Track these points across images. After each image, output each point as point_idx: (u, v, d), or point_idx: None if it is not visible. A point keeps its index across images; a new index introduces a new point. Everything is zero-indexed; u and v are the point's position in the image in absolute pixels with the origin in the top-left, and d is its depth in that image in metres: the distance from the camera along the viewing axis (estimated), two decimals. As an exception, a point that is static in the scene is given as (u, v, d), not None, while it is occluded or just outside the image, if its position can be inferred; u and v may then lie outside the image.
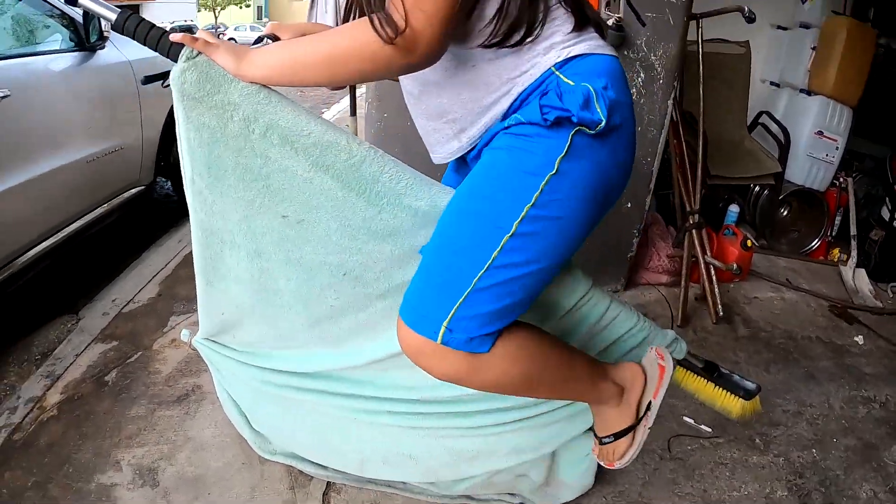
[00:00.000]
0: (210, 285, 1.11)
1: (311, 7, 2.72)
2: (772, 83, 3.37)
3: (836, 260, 3.14)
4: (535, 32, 0.82)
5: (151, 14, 22.61)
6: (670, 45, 1.98)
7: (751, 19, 2.17)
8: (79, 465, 1.48)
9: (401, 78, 0.96)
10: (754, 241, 3.03)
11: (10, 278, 1.98)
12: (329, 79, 0.83)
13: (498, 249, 0.83)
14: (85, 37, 2.40)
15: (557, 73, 0.83)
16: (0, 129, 1.92)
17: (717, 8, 2.31)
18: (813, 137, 3.04)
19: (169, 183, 3.36)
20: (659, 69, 2.00)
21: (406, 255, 0.99)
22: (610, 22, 1.89)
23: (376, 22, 0.74)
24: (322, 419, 1.29)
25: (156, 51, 0.90)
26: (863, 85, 3.03)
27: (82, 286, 2.48)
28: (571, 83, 0.82)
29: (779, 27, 3.34)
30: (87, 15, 2.38)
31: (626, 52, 1.96)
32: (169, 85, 0.89)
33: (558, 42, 0.84)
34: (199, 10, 27.83)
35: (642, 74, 1.99)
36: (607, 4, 1.91)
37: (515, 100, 0.86)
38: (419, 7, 0.73)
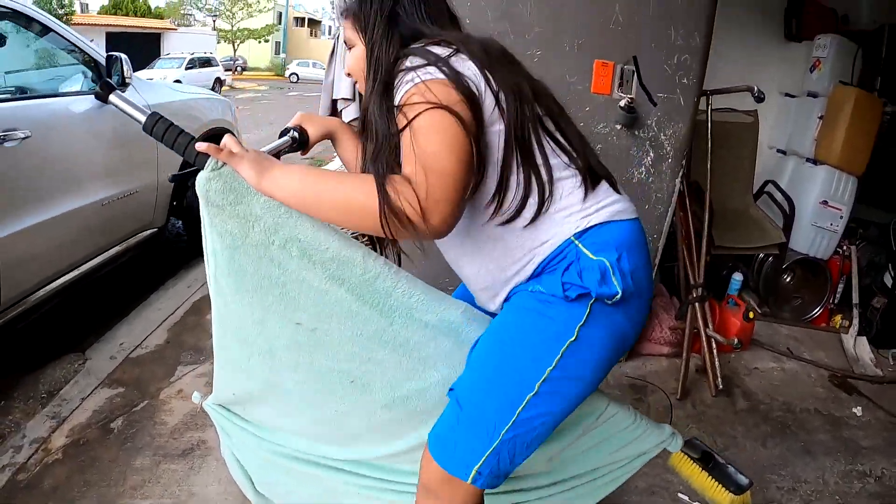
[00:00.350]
0: (223, 369, 1.16)
1: (331, 57, 2.79)
2: (779, 150, 3.41)
3: (838, 327, 3.16)
4: (546, 206, 0.91)
5: (171, 44, 22.97)
6: (680, 124, 2.04)
7: (760, 99, 2.22)
8: None
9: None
10: (757, 309, 3.05)
11: (20, 315, 2.02)
12: (341, 224, 0.90)
13: (522, 406, 0.92)
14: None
15: (577, 242, 0.91)
16: (21, 170, 1.98)
17: (727, 86, 2.37)
18: (818, 207, 3.06)
19: (180, 223, 3.41)
20: (668, 148, 2.05)
21: (414, 367, 1.02)
22: (622, 103, 1.96)
23: (384, 216, 0.81)
24: (328, 490, 1.31)
25: (182, 156, 0.94)
26: (868, 155, 3.05)
27: (90, 324, 2.52)
28: (591, 256, 0.90)
29: (787, 95, 3.39)
30: (110, 59, 2.44)
31: (636, 132, 2.02)
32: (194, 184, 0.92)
33: (577, 210, 0.92)
34: (218, 42, 28.48)
35: (651, 154, 2.05)
36: (620, 85, 1.97)
37: (538, 266, 0.94)
38: (430, 196, 0.80)
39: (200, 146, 0.90)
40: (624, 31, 1.95)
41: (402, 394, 1.05)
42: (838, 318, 3.19)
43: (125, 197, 2.51)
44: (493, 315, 1.04)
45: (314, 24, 42.58)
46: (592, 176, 0.94)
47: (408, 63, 0.87)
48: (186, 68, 16.87)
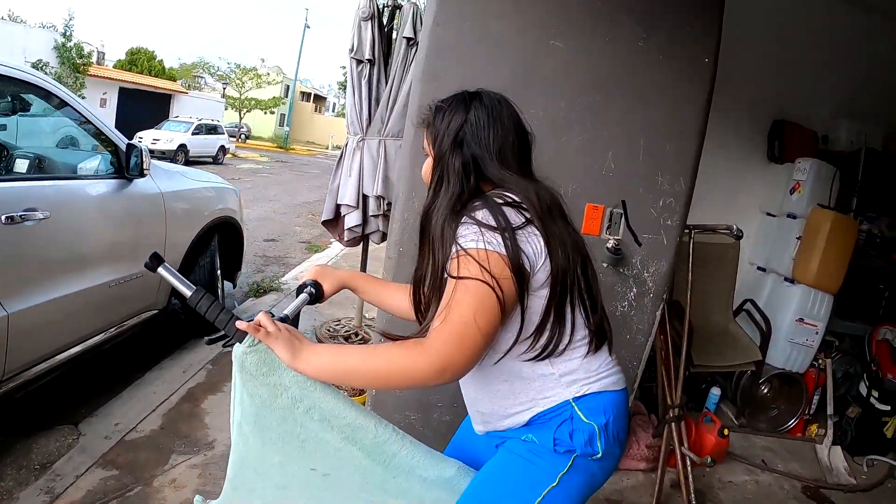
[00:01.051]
0: (235, 492, 1.24)
1: (338, 165, 2.95)
2: (759, 267, 3.58)
3: (813, 436, 3.26)
4: (561, 348, 1.06)
5: (181, 106, 23.34)
6: (662, 262, 2.19)
7: (738, 237, 2.38)
8: None
9: None
10: (734, 420, 3.16)
11: (19, 386, 2.07)
12: (373, 387, 1.08)
13: None
14: (125, 167, 2.52)
15: (574, 405, 1.07)
16: (36, 249, 2.06)
17: (709, 223, 2.54)
18: (794, 324, 3.21)
19: (178, 303, 3.46)
20: (650, 284, 2.19)
21: None
22: (609, 244, 2.10)
23: (420, 370, 0.94)
24: None
25: (223, 331, 1.05)
26: (843, 274, 3.21)
27: (83, 397, 2.56)
28: (584, 419, 1.06)
29: (768, 213, 3.58)
30: (130, 147, 2.53)
31: (621, 269, 2.16)
32: (230, 346, 1.04)
33: (581, 377, 1.08)
34: (225, 108, 29.10)
35: (634, 289, 2.19)
36: (608, 227, 2.12)
37: (535, 416, 1.08)
38: (448, 358, 0.93)
39: (241, 325, 1.01)
40: (615, 177, 2.10)
41: None
42: (814, 427, 3.30)
43: (131, 280, 2.58)
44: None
45: (319, 99, 44.15)
46: (599, 338, 1.10)
47: (479, 216, 0.99)
48: (193, 133, 17.03)
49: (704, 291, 2.97)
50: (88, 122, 2.49)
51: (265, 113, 31.66)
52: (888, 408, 3.18)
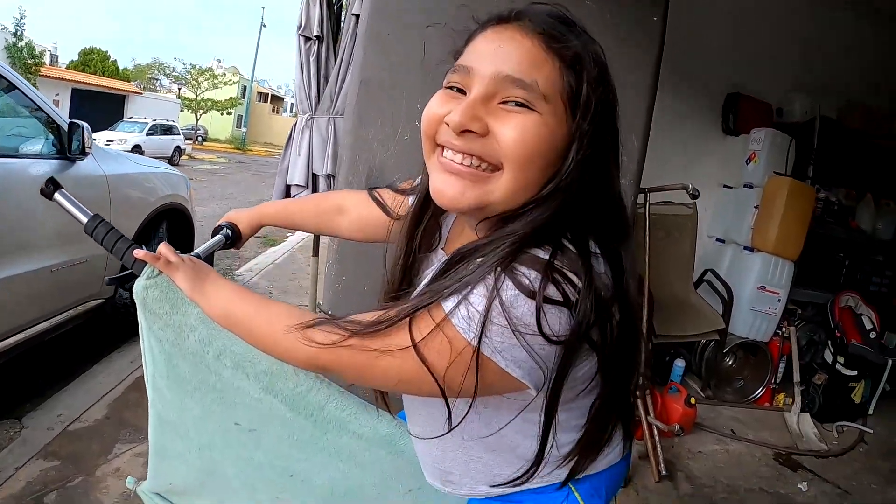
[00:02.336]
0: (161, 459, 1.14)
1: (288, 143, 2.88)
2: (717, 239, 3.59)
3: (781, 405, 3.27)
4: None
5: (136, 107, 22.98)
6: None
7: (694, 196, 2.37)
8: None
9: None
10: (700, 393, 3.14)
11: None
12: (253, 345, 0.81)
13: None
14: (67, 147, 2.45)
15: (574, 490, 0.80)
16: None
17: (665, 184, 2.52)
18: (756, 292, 3.22)
19: (128, 295, 3.35)
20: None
21: (350, 470, 1.04)
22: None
23: (294, 358, 0.71)
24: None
25: (120, 261, 0.94)
26: (803, 240, 3.25)
27: (27, 392, 2.45)
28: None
29: (725, 186, 3.60)
30: (73, 125, 2.45)
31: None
32: (130, 288, 0.92)
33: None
34: (181, 110, 28.64)
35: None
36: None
37: (518, 494, 0.80)
38: (350, 372, 0.67)
39: (138, 253, 0.89)
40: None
41: (340, 491, 1.07)
42: (781, 396, 3.31)
43: (75, 265, 2.48)
44: None
45: (277, 100, 43.78)
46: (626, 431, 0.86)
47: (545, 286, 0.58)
48: (148, 134, 16.82)
49: (664, 263, 2.96)
50: (31, 100, 2.40)
51: (222, 114, 31.16)
52: (854, 373, 3.21)
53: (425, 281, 0.70)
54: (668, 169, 3.18)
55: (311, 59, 2.79)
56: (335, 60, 2.81)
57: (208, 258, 1.09)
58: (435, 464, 0.88)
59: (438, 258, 0.83)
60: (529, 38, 0.63)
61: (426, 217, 0.83)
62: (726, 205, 3.57)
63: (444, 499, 1.06)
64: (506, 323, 0.57)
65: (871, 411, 3.27)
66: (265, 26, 32.06)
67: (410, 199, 0.90)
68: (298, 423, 1.00)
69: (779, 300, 3.26)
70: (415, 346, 0.60)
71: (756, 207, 3.29)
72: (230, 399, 0.99)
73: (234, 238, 1.17)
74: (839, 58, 3.52)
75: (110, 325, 3.06)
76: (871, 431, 3.12)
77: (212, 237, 1.16)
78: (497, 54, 0.63)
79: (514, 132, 0.62)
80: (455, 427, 0.67)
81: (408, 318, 0.61)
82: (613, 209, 0.70)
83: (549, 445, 0.69)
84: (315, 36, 2.79)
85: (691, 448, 2.70)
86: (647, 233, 2.51)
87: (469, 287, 0.59)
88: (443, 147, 0.67)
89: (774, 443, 2.87)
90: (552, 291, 0.58)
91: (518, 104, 0.63)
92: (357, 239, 1.12)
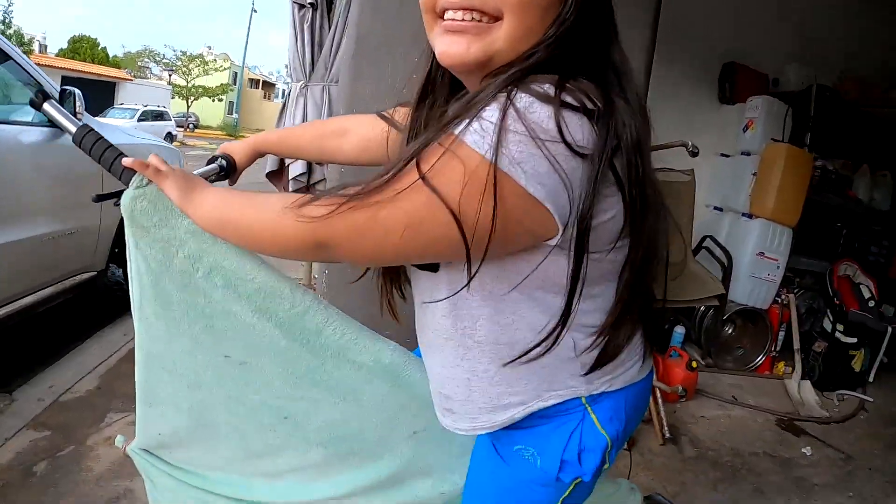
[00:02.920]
0: (149, 406, 1.09)
1: (282, 113, 2.85)
2: (715, 208, 3.58)
3: (781, 374, 3.26)
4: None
5: (127, 94, 22.80)
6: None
7: (694, 153, 2.34)
8: None
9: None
10: (700, 360, 3.11)
11: None
12: (247, 245, 0.80)
13: None
14: None
15: (589, 408, 0.76)
16: None
17: (662, 143, 2.49)
18: (755, 258, 3.20)
19: (120, 271, 3.33)
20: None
21: (350, 409, 0.97)
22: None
23: (290, 237, 0.67)
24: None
25: (109, 171, 0.89)
26: (801, 207, 3.24)
27: (18, 365, 2.42)
28: (600, 429, 0.76)
29: (722, 154, 3.59)
30: (64, 92, 2.43)
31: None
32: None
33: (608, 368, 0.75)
34: (172, 97, 28.29)
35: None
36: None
37: (533, 413, 0.75)
38: (350, 244, 0.63)
39: (127, 161, 0.84)
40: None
41: (338, 434, 1.01)
42: (781, 364, 3.30)
43: (67, 234, 2.46)
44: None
45: (268, 86, 43.25)
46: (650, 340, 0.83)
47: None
48: (139, 120, 16.72)
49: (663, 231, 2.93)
50: (24, 70, 2.38)
51: (213, 100, 30.83)
52: (854, 340, 3.19)
53: None
54: (666, 138, 3.14)
55: (305, 27, 2.75)
56: (329, 28, 2.77)
57: None
58: (437, 387, 0.84)
59: None
60: None
61: (431, 99, 0.79)
62: (723, 173, 3.55)
63: (450, 442, 1.02)
64: (524, 129, 0.53)
65: (870, 379, 3.26)
66: (256, 11, 31.88)
67: None
68: (294, 353, 0.93)
69: (778, 267, 3.24)
70: (423, 177, 0.56)
71: (754, 174, 3.27)
72: (220, 326, 0.92)
73: (228, 169, 1.12)
74: (836, 28, 3.51)
75: (102, 301, 3.03)
76: (872, 400, 3.11)
77: (206, 166, 1.11)
78: None
79: None
80: (472, 279, 0.62)
81: (414, 159, 0.57)
82: (620, 65, 0.68)
83: (575, 303, 0.64)
84: (309, 3, 2.75)
85: (694, 413, 2.69)
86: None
87: (480, 106, 0.56)
88: (442, 15, 0.66)
89: (776, 409, 2.86)
90: (570, 98, 0.56)
91: None
92: (359, 162, 1.07)
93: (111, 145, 0.91)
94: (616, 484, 1.23)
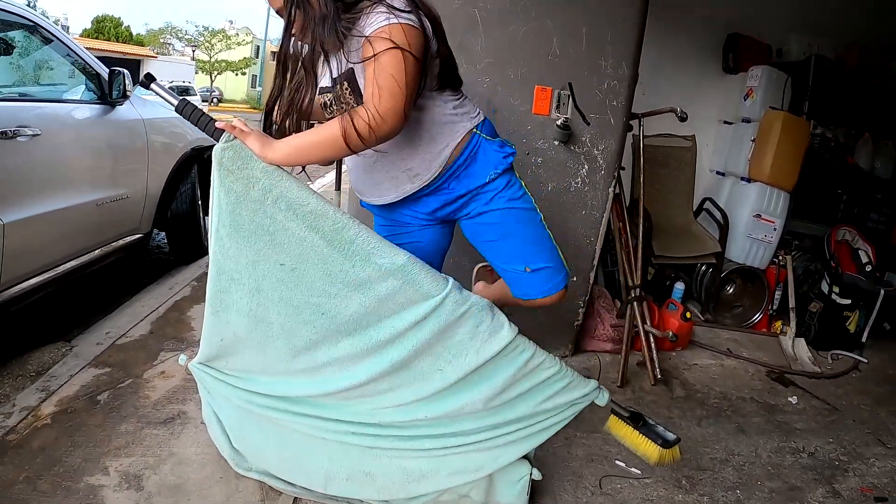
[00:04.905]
0: (216, 315, 1.37)
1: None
2: (717, 172, 3.73)
3: (778, 331, 3.40)
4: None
5: (152, 71, 23.09)
6: (611, 141, 2.32)
7: (683, 119, 2.50)
8: (69, 467, 1.65)
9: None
10: (698, 314, 3.30)
11: (12, 300, 2.15)
12: (328, 157, 1.22)
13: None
14: (108, 92, 2.66)
15: (480, 133, 1.37)
16: (30, 164, 2.17)
17: (655, 109, 2.67)
18: (752, 220, 3.35)
19: (162, 235, 3.57)
20: (601, 161, 2.33)
21: (370, 303, 1.29)
22: (559, 121, 2.23)
23: (351, 133, 1.15)
24: (296, 438, 1.51)
25: (204, 132, 1.26)
26: (797, 171, 3.35)
27: (75, 318, 2.67)
28: (491, 138, 1.38)
29: (725, 122, 3.73)
30: (113, 72, 2.67)
31: (572, 147, 2.29)
32: (209, 155, 1.24)
33: (472, 110, 1.38)
34: (196, 72, 28.91)
35: (586, 166, 2.32)
36: (557, 107, 2.25)
37: (460, 155, 1.35)
38: (384, 108, 1.13)
39: (220, 124, 1.23)
40: (560, 62, 2.23)
41: (363, 325, 1.31)
42: (778, 323, 3.43)
43: (117, 200, 2.69)
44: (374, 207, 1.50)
45: None
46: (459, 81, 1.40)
47: (387, 4, 1.16)
48: None
49: (665, 193, 3.11)
50: (72, 52, 2.61)
51: (236, 74, 31.47)
52: (848, 301, 3.31)
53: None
54: (671, 105, 3.29)
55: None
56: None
57: None
58: (401, 170, 1.36)
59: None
60: None
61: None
62: (725, 139, 3.68)
63: (445, 331, 1.32)
64: (397, 11, 1.16)
65: (864, 339, 3.34)
66: (277, -16, 32.00)
67: None
68: (332, 258, 1.24)
69: (774, 229, 3.38)
70: (378, 53, 1.14)
71: (752, 140, 3.40)
72: (279, 240, 1.24)
73: None
74: (836, -1, 3.57)
75: (147, 262, 3.27)
76: (867, 361, 3.20)
77: None
78: None
79: None
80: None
81: (372, 53, 1.15)
82: None
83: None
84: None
85: (688, 361, 2.88)
86: (642, 159, 2.66)
87: (368, 24, 1.17)
88: None
89: (769, 362, 3.00)
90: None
91: None
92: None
93: (205, 113, 1.28)
94: (587, 382, 1.46)
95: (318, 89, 1.32)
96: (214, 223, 1.26)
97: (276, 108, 1.31)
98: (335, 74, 1.26)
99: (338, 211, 1.24)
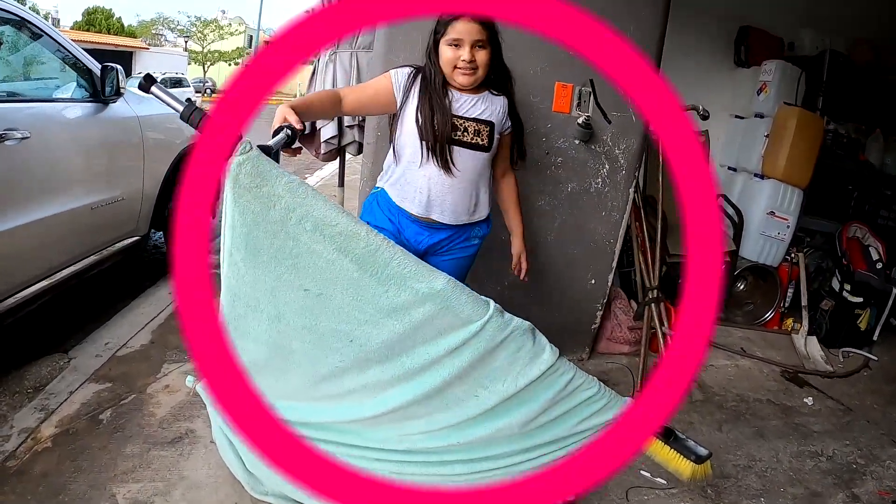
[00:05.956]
0: (230, 341, 1.28)
1: (312, 78, 2.93)
2: (729, 168, 3.66)
3: (790, 329, 3.37)
4: None
5: (143, 63, 22.97)
6: (632, 140, 2.24)
7: (705, 117, 2.43)
8: (74, 496, 1.55)
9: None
10: (711, 312, 3.23)
11: (6, 312, 2.05)
12: None
13: None
14: (101, 89, 2.52)
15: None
16: (17, 170, 2.04)
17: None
18: (766, 217, 3.30)
19: (160, 234, 3.44)
20: (622, 161, 2.24)
21: (405, 330, 1.17)
22: (580, 120, 2.14)
23: None
24: (316, 463, 1.42)
25: None
26: (811, 169, 3.30)
27: (71, 327, 2.55)
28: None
29: (737, 116, 3.65)
30: (106, 68, 2.52)
31: (592, 146, 2.21)
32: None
33: None
34: (189, 63, 28.60)
35: (607, 165, 2.24)
36: (578, 105, 2.16)
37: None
38: None
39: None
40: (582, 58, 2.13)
41: (396, 353, 1.20)
42: (790, 321, 3.41)
43: (112, 203, 2.57)
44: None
45: None
46: None
47: None
48: None
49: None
50: (62, 48, 2.47)
51: (230, 65, 30.90)
52: (860, 300, 3.28)
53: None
54: (682, 99, 3.22)
55: (334, -4, 2.82)
56: (353, -3, 2.84)
57: (275, 155, 1.21)
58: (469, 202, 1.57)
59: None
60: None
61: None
62: (738, 134, 3.62)
63: (485, 359, 1.21)
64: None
65: (875, 338, 3.32)
66: (268, -27, 31.81)
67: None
68: (364, 282, 1.12)
69: (788, 226, 3.33)
70: None
71: (766, 136, 3.34)
72: (304, 264, 1.11)
73: (293, 136, 1.27)
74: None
75: (146, 263, 3.16)
76: (876, 359, 3.18)
77: (274, 137, 1.26)
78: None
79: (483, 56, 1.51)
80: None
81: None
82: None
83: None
84: (332, -31, 2.81)
85: (703, 362, 2.82)
86: (661, 156, 2.58)
87: None
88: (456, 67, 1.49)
89: (782, 361, 2.98)
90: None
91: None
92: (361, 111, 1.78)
93: None
94: (622, 400, 1.39)
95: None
96: (227, 245, 1.13)
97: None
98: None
99: (371, 231, 1.11)
